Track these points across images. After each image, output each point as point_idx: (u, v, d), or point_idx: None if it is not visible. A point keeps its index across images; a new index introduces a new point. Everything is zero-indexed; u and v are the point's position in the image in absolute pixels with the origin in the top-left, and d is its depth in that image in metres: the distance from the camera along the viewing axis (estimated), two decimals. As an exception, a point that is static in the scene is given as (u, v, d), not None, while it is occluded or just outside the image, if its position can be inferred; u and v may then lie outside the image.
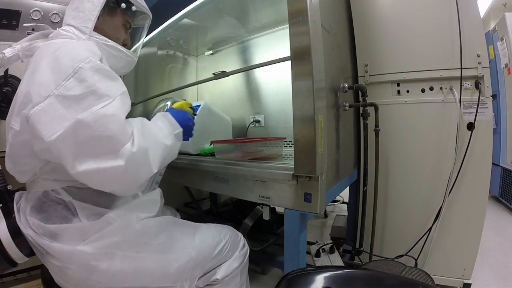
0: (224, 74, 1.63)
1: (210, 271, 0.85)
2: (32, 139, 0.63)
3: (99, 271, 0.66)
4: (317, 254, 1.26)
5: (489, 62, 1.26)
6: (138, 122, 0.69)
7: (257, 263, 1.49)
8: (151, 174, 0.68)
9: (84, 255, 0.65)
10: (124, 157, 0.60)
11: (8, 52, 0.77)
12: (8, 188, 0.77)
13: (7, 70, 1.21)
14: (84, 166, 0.59)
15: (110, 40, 0.83)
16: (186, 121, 0.86)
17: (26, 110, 0.61)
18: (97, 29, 0.81)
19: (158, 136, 0.72)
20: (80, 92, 0.60)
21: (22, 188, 0.79)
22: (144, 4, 0.95)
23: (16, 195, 0.77)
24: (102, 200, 0.75)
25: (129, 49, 0.94)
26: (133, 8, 0.89)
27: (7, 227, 0.70)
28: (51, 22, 1.47)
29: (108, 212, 0.71)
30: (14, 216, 0.72)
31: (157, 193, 0.86)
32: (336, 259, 1.25)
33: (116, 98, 0.63)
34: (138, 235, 0.72)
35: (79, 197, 0.72)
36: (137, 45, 1.06)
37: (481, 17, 1.81)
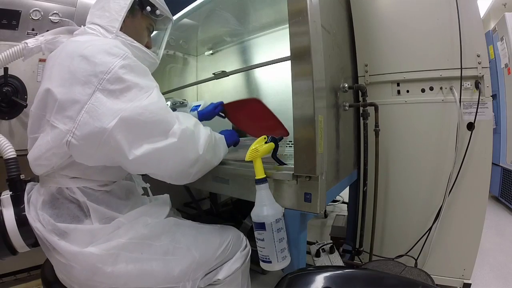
0: (224, 74, 1.62)
1: (211, 271, 0.85)
2: (88, 136, 0.63)
3: (104, 272, 0.66)
4: (317, 254, 1.26)
5: (489, 62, 1.26)
6: (179, 112, 0.76)
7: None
8: (197, 155, 0.74)
9: (91, 257, 0.66)
10: (177, 134, 0.68)
11: (31, 42, 0.77)
12: (21, 177, 0.76)
13: (7, 70, 1.20)
14: (141, 150, 0.64)
15: (135, 41, 0.84)
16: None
17: (73, 112, 0.62)
18: (121, 30, 0.81)
19: (199, 123, 0.80)
20: (123, 85, 0.64)
21: (32, 179, 0.78)
22: (166, 8, 0.96)
23: (28, 185, 0.76)
24: (115, 204, 0.75)
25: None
26: (157, 11, 0.91)
27: (15, 216, 0.70)
28: (51, 22, 1.47)
29: (119, 216, 0.72)
30: (23, 207, 0.71)
31: (166, 199, 0.87)
32: (336, 259, 1.25)
33: (154, 89, 0.69)
34: (143, 237, 0.73)
35: (94, 199, 0.72)
36: (155, 44, 1.06)
37: (481, 17, 1.81)
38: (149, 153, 0.65)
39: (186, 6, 1.59)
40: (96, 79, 0.63)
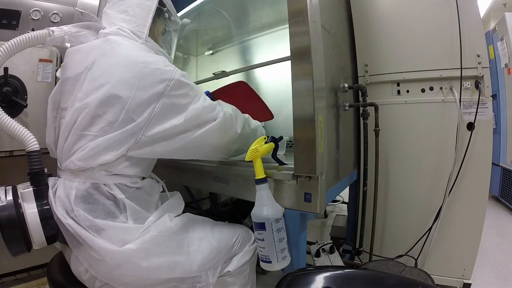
0: (224, 74, 1.63)
1: (225, 262, 0.89)
2: (157, 135, 0.72)
3: (139, 267, 0.69)
4: (317, 254, 1.26)
5: (489, 62, 1.26)
6: (220, 102, 0.92)
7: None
8: (236, 134, 0.90)
9: (129, 253, 0.67)
10: (220, 117, 0.82)
11: (57, 31, 0.77)
12: (45, 171, 0.73)
13: (7, 70, 1.20)
14: (199, 131, 0.78)
15: (160, 47, 0.88)
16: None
17: (142, 115, 0.69)
18: None
19: (237, 110, 0.95)
20: (184, 90, 0.75)
21: (50, 174, 0.76)
22: (176, 12, 1.01)
23: (51, 180, 0.74)
24: (145, 201, 0.78)
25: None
26: (172, 18, 0.97)
27: (38, 211, 0.67)
28: (51, 22, 1.47)
29: (150, 216, 0.76)
30: (47, 202, 0.69)
31: (179, 195, 0.92)
32: (336, 259, 1.25)
33: (198, 89, 0.81)
34: (169, 231, 0.77)
35: (128, 196, 0.74)
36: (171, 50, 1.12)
37: (481, 17, 1.81)
38: (203, 133, 0.79)
39: (186, 6, 1.59)
40: (162, 85, 0.70)
